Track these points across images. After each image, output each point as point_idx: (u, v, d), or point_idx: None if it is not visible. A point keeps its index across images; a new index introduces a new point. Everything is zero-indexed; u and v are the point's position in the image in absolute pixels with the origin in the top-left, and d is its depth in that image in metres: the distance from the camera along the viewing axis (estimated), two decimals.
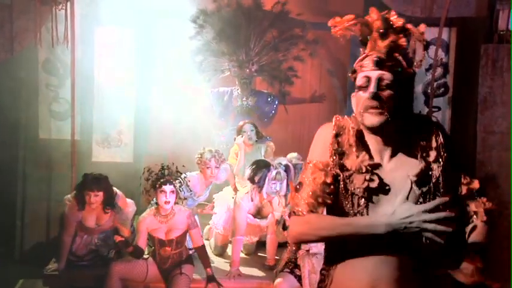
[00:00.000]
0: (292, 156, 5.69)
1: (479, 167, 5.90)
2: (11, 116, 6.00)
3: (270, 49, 6.31)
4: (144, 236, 4.75)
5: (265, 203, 5.23)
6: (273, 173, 4.98)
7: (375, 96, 2.01)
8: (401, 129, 2.09)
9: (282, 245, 5.30)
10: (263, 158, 5.62)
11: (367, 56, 2.10)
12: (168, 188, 4.64)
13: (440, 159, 2.06)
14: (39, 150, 6.26)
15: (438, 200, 1.91)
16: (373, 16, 2.12)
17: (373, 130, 2.07)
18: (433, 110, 6.44)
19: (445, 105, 6.53)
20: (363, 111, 2.04)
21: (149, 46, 6.56)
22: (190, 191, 5.32)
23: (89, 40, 6.26)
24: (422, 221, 1.86)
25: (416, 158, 2.08)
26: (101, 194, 4.93)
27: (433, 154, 2.08)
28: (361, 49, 2.20)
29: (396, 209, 1.92)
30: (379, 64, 2.04)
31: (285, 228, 5.08)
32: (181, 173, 4.88)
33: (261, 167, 5.04)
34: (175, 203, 4.81)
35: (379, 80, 2.03)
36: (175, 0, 5.96)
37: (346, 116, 2.20)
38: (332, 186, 2.07)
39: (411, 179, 2.03)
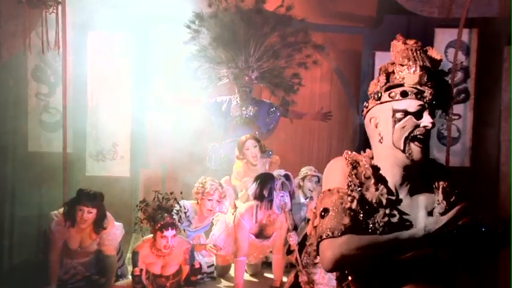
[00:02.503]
0: (308, 168, 5.79)
1: (503, 179, 5.84)
2: None
3: (272, 55, 6.29)
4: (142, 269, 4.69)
5: (269, 221, 5.18)
6: (279, 184, 5.00)
7: (432, 127, 2.10)
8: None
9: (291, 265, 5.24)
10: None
11: (418, 83, 2.11)
12: (170, 233, 4.53)
13: (455, 199, 2.17)
14: (28, 164, 6.20)
15: (457, 207, 2.01)
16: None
17: (412, 164, 2.12)
18: (453, 117, 6.43)
19: (465, 113, 6.50)
20: (411, 140, 2.10)
21: (146, 51, 6.55)
22: (188, 221, 5.24)
23: (81, 46, 6.25)
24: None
25: (434, 197, 2.18)
26: (94, 211, 4.86)
27: (451, 194, 2.18)
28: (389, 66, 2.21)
29: (425, 223, 2.02)
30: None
31: (289, 252, 5.02)
32: (178, 203, 4.82)
33: (266, 180, 5.03)
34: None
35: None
36: (172, 4, 5.94)
37: (354, 153, 2.26)
38: (357, 215, 2.09)
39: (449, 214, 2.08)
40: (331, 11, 6.86)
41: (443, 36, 6.39)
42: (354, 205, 2.07)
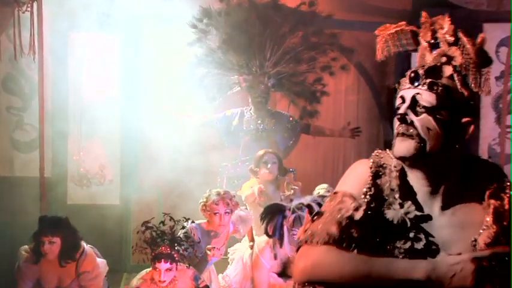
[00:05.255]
0: (322, 187, 5.58)
1: None
2: None
3: (291, 59, 6.20)
4: None
5: (293, 257, 4.85)
6: (291, 218, 4.67)
7: (402, 119, 1.94)
8: (458, 170, 2.00)
9: None
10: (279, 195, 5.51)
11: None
12: (163, 266, 4.35)
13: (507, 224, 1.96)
14: None
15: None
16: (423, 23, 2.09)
17: (407, 163, 1.99)
18: (507, 130, 6.52)
19: None
20: (394, 138, 2.01)
21: (138, 56, 6.55)
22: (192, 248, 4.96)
23: (61, 50, 6.29)
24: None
25: (482, 215, 1.97)
26: (58, 241, 4.66)
27: (503, 217, 1.97)
28: None
29: (437, 263, 1.86)
30: (416, 81, 1.97)
31: None
32: (183, 226, 4.67)
33: (273, 214, 4.72)
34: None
35: (415, 101, 1.97)
36: None
37: (388, 151, 2.09)
38: (359, 229, 1.96)
39: (481, 251, 1.88)
40: (361, 6, 6.83)
41: (494, 33, 6.33)
42: (357, 215, 1.94)
